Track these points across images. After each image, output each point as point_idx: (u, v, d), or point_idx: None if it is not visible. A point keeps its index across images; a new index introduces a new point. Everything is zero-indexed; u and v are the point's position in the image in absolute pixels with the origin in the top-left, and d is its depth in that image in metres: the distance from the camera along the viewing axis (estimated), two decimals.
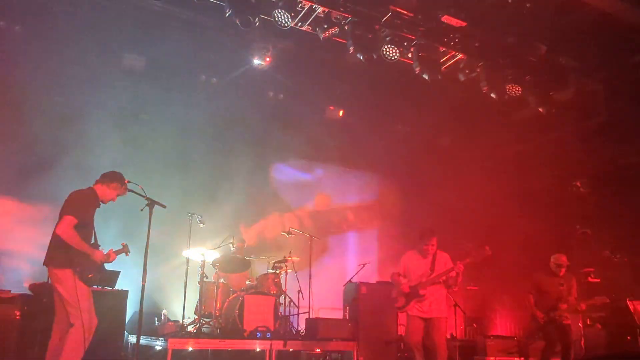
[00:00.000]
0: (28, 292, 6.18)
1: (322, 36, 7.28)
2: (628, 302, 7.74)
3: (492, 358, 8.01)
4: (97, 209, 4.84)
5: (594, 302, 6.74)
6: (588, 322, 8.50)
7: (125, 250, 4.95)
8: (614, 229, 8.74)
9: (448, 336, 7.85)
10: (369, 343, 7.04)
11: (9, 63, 7.46)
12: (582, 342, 8.10)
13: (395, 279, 5.94)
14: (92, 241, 4.74)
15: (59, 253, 4.54)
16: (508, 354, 8.07)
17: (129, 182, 4.99)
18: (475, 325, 10.03)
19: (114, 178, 4.92)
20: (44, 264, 4.67)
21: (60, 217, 4.58)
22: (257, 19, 6.75)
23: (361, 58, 7.39)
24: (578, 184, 9.71)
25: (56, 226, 4.54)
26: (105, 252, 4.75)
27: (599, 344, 7.98)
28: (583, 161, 9.23)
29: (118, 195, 4.96)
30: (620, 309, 7.87)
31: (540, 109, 8.58)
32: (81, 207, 4.65)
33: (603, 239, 8.97)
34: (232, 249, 7.75)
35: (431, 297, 5.69)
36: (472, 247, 5.64)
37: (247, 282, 7.67)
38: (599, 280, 8.96)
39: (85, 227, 4.63)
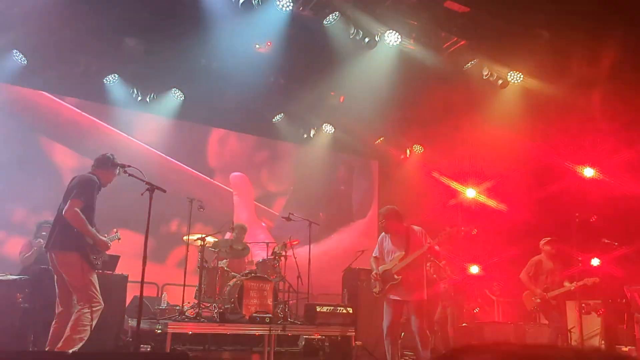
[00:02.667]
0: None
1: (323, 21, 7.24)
2: (625, 289, 7.80)
3: None
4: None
5: (584, 283, 6.87)
6: (584, 309, 8.57)
7: (116, 237, 4.99)
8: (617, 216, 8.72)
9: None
10: (368, 328, 7.08)
11: None
12: (579, 328, 8.18)
13: (371, 264, 5.83)
14: (95, 226, 4.77)
15: (65, 237, 4.57)
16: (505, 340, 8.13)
17: (129, 166, 4.99)
18: (473, 312, 10.09)
19: (108, 159, 4.94)
20: (47, 248, 4.69)
21: (66, 200, 4.60)
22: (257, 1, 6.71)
23: (363, 43, 7.38)
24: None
25: (64, 210, 4.56)
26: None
27: (595, 330, 8.05)
28: (586, 148, 9.20)
29: (113, 177, 4.98)
30: (617, 296, 7.93)
31: (541, 96, 8.56)
32: (87, 191, 4.68)
33: (603, 226, 8.96)
34: (233, 234, 7.79)
35: (408, 279, 5.43)
36: (449, 228, 5.50)
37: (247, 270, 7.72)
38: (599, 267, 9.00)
39: (89, 211, 4.66)
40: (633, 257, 7.90)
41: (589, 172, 9.09)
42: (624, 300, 7.82)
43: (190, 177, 9.21)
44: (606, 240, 7.43)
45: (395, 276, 5.45)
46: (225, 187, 9.87)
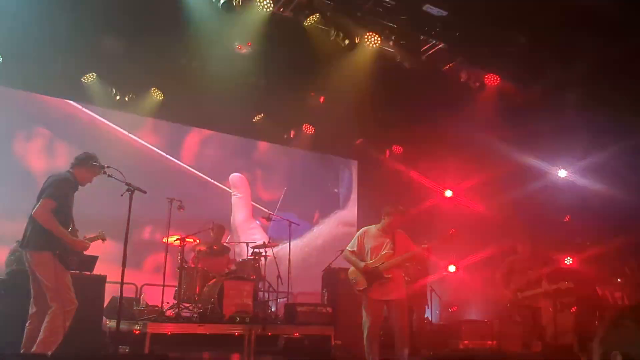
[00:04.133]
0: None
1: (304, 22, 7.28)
2: (597, 289, 8.02)
3: (466, 342, 8.19)
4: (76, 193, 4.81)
5: (559, 287, 7.02)
6: (558, 308, 8.77)
7: (101, 237, 4.93)
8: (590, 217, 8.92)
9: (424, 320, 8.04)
10: (347, 328, 7.14)
11: None
12: (553, 325, 8.37)
13: (350, 259, 5.64)
14: (71, 226, 4.71)
15: (37, 236, 4.49)
16: (482, 339, 8.27)
17: (108, 167, 4.95)
18: (450, 310, 10.25)
19: (88, 159, 4.87)
20: (20, 247, 4.64)
21: (38, 200, 4.54)
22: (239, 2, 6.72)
23: (343, 44, 7.44)
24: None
25: (34, 209, 4.50)
26: (80, 238, 4.74)
27: (568, 328, 8.25)
28: (560, 150, 9.41)
29: (93, 176, 4.92)
30: (590, 296, 8.14)
31: (517, 99, 8.73)
32: (60, 191, 4.60)
33: (579, 226, 9.16)
34: (211, 234, 7.78)
35: (394, 278, 5.43)
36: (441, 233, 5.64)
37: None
38: (572, 266, 9.22)
39: (64, 212, 4.59)
40: (605, 256, 8.13)
41: (562, 173, 9.31)
42: (596, 299, 8.03)
43: (170, 177, 9.13)
44: (579, 240, 7.62)
45: (385, 275, 5.40)
46: (208, 178, 9.78)
